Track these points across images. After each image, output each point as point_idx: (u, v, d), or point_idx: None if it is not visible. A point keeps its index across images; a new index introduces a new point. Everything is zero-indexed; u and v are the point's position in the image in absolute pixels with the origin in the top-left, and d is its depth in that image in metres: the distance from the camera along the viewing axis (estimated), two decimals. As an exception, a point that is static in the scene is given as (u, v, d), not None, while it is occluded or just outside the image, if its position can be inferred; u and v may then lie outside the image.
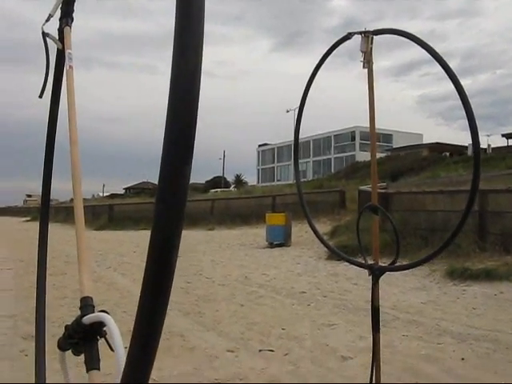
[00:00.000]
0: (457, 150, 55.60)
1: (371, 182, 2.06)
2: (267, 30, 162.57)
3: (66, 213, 51.25)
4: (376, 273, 1.89)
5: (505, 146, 54.90)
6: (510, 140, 55.25)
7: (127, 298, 9.58)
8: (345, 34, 1.90)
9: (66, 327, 1.01)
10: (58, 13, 1.45)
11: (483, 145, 55.64)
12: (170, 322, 7.69)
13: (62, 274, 12.78)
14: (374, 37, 1.81)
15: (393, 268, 2.02)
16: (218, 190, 67.39)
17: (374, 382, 2.03)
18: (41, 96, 1.51)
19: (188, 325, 7.54)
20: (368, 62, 1.88)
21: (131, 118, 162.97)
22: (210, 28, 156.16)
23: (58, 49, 1.45)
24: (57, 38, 1.45)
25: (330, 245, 2.18)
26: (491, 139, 70.22)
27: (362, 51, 1.85)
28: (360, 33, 1.84)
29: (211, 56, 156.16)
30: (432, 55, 1.65)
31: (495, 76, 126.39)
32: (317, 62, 2.00)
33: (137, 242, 22.39)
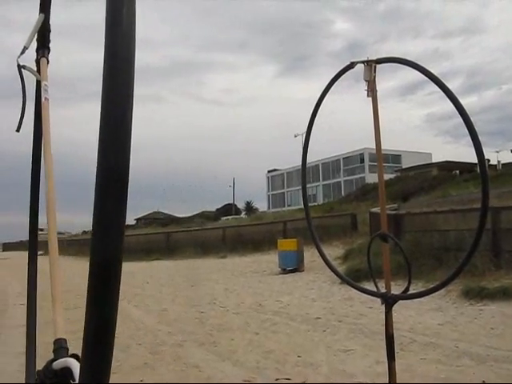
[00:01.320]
0: (466, 168, 55.33)
1: (380, 210, 2.03)
2: (271, 56, 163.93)
3: (78, 245, 51.47)
4: (389, 301, 1.86)
5: (515, 162, 54.62)
6: (519, 156, 54.99)
7: (142, 330, 9.53)
8: (349, 59, 1.91)
9: (38, 372, 0.98)
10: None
11: (493, 161, 55.51)
12: (185, 353, 7.64)
13: (74, 308, 12.74)
14: (379, 54, 1.82)
15: (406, 296, 1.98)
16: (229, 217, 67.42)
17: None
18: (18, 130, 1.50)
19: (203, 355, 7.48)
20: (372, 91, 1.88)
21: (139, 148, 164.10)
22: (214, 57, 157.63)
23: (37, 81, 1.44)
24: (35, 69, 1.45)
25: (340, 272, 2.16)
26: (500, 155, 70.00)
27: (365, 80, 1.85)
28: (363, 62, 1.84)
29: (217, 84, 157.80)
30: (435, 82, 1.64)
31: (501, 92, 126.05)
32: (322, 86, 2.01)
33: (149, 273, 22.39)
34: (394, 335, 6.88)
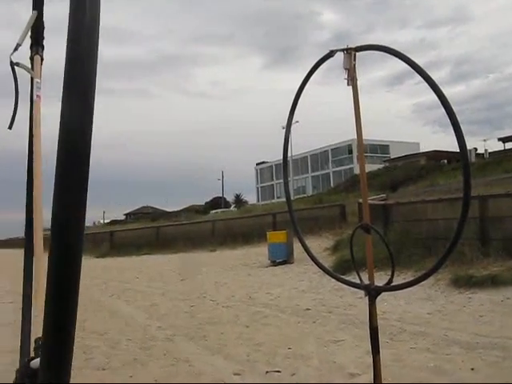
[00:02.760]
0: (455, 157, 55.54)
1: (362, 201, 2.01)
2: (258, 48, 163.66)
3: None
4: (372, 293, 1.84)
5: (502, 150, 54.97)
6: (506, 144, 55.34)
7: (131, 325, 9.50)
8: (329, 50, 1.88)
9: (16, 371, 0.96)
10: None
11: (480, 150, 55.78)
12: (175, 347, 7.62)
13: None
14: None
15: (389, 288, 1.96)
16: (219, 210, 67.38)
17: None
18: (10, 127, 1.47)
19: (193, 349, 7.46)
20: (352, 79, 1.85)
21: (127, 143, 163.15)
22: (200, 50, 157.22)
23: (31, 78, 1.42)
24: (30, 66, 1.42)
25: (323, 265, 2.13)
26: (488, 144, 70.38)
27: (345, 68, 1.82)
28: (342, 50, 1.81)
29: (204, 77, 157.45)
30: (414, 68, 1.62)
31: (488, 80, 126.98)
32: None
33: (139, 268, 22.33)
34: (384, 325, 6.90)
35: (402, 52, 1.63)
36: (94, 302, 13.12)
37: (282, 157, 2.17)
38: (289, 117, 2.05)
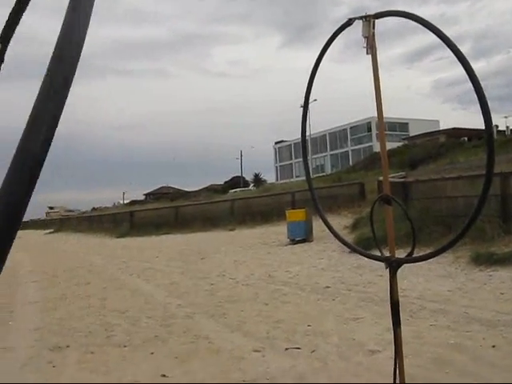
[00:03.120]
0: (475, 134, 54.87)
1: (383, 172, 1.98)
2: (276, 26, 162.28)
3: (88, 222, 51.77)
4: (393, 265, 1.82)
5: (524, 127, 54.17)
6: (528, 120, 54.50)
7: (151, 303, 9.58)
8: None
9: None
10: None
11: (502, 127, 55.00)
12: (195, 325, 7.68)
13: (86, 283, 12.85)
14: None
15: (410, 259, 1.94)
16: (238, 189, 67.40)
17: (397, 382, 1.94)
18: None
19: (213, 327, 7.51)
20: (371, 48, 1.81)
21: (146, 123, 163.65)
22: (219, 29, 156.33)
23: None
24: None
25: (346, 239, 2.11)
26: (509, 121, 69.34)
27: (364, 36, 1.78)
28: (361, 17, 1.77)
29: (223, 57, 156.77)
30: (435, 33, 1.57)
31: (509, 56, 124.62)
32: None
33: (159, 248, 22.49)
34: (404, 302, 6.87)
35: (423, 18, 1.58)
36: (114, 280, 13.26)
37: (300, 135, 2.14)
38: (307, 87, 2.02)
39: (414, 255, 1.86)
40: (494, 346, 5.63)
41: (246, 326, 7.38)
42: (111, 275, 14.54)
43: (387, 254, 1.91)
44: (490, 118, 1.57)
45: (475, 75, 1.54)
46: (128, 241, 30.13)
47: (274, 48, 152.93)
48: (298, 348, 6.09)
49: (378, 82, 1.86)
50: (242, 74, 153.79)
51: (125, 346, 6.60)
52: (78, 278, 13.99)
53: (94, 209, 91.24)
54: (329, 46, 1.91)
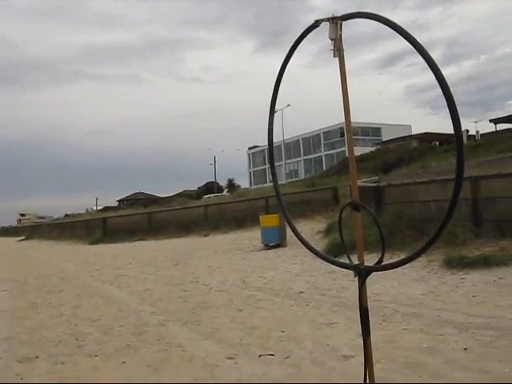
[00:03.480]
0: (446, 139, 55.61)
1: (351, 178, 1.96)
2: (249, 31, 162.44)
3: (60, 229, 51.15)
4: (362, 273, 1.79)
5: (493, 132, 55.04)
6: (497, 125, 55.39)
7: (124, 311, 9.46)
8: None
9: None
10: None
11: (472, 132, 55.85)
12: (168, 332, 7.59)
13: (58, 291, 12.66)
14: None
15: (379, 267, 1.91)
16: (212, 195, 67.30)
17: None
18: None
19: (186, 334, 7.43)
20: (338, 50, 1.78)
21: (119, 129, 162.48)
22: (191, 34, 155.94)
23: None
24: None
25: (313, 246, 2.08)
26: (479, 125, 70.41)
27: (330, 39, 1.75)
28: (328, 19, 1.74)
29: (196, 62, 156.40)
30: (403, 35, 1.55)
31: (479, 62, 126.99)
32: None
33: (132, 254, 22.30)
34: (377, 306, 6.92)
35: (391, 20, 1.56)
36: (87, 288, 13.09)
37: (273, 141, 2.11)
38: (274, 89, 1.99)
39: (383, 262, 1.83)
40: (465, 349, 5.66)
41: (219, 333, 7.32)
42: (84, 283, 14.36)
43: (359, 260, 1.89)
44: (460, 124, 1.56)
45: (443, 77, 1.53)
46: (101, 247, 29.83)
47: (247, 53, 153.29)
48: (272, 354, 6.05)
49: (346, 86, 1.83)
50: (215, 79, 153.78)
51: (96, 356, 6.49)
52: (49, 286, 13.78)
53: (66, 215, 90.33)
54: (295, 47, 1.88)
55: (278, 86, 2.03)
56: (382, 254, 1.84)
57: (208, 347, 6.63)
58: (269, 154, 2.12)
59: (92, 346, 7.01)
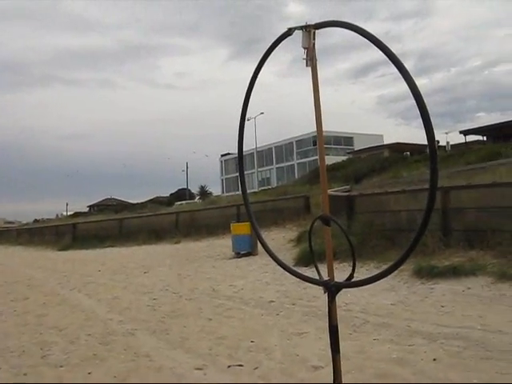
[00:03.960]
0: (417, 149, 56.32)
1: (322, 191, 1.91)
2: (224, 39, 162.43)
3: (29, 234, 50.32)
4: (332, 290, 1.75)
5: (463, 143, 55.84)
6: (467, 136, 56.23)
7: (92, 319, 9.29)
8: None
9: None
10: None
11: (442, 142, 56.62)
12: (136, 342, 7.47)
13: (24, 299, 12.40)
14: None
15: (350, 284, 1.87)
16: (183, 202, 67.01)
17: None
18: None
19: (155, 344, 7.31)
20: (311, 59, 1.74)
21: (92, 134, 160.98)
22: (166, 40, 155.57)
23: None
24: None
25: (281, 260, 2.03)
26: (450, 136, 71.37)
27: (303, 47, 1.71)
28: (301, 27, 1.71)
29: (170, 68, 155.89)
30: (375, 44, 1.52)
31: (450, 74, 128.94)
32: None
33: (102, 261, 22.02)
34: (347, 316, 6.88)
35: (364, 29, 1.53)
36: (54, 295, 12.85)
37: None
38: (245, 97, 1.95)
39: (355, 277, 1.80)
40: (434, 359, 5.67)
41: (188, 343, 7.22)
42: (51, 290, 14.09)
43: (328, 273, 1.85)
44: (433, 135, 1.53)
45: (416, 85, 1.50)
46: (70, 254, 29.42)
47: (222, 60, 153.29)
48: (241, 365, 5.98)
49: (318, 95, 1.80)
50: (189, 86, 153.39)
51: (61, 366, 6.33)
52: (15, 294, 13.49)
53: (36, 220, 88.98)
54: (268, 56, 1.84)
55: (250, 95, 1.98)
56: (353, 270, 1.80)
57: (176, 357, 6.53)
58: (238, 162, 2.06)
59: (57, 355, 6.85)
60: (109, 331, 8.20)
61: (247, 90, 1.99)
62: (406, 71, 1.51)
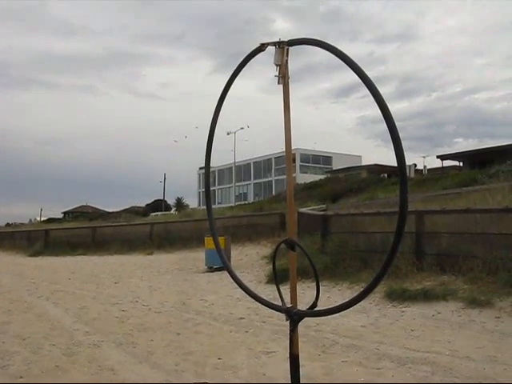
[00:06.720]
0: (394, 171, 56.67)
1: (288, 214, 1.86)
2: (209, 51, 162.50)
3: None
4: (294, 318, 1.69)
5: (440, 167, 56.41)
6: (444, 161, 56.81)
7: (57, 329, 9.11)
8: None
9: None
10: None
11: (420, 166, 57.19)
12: (102, 354, 7.32)
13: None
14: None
15: (313, 313, 1.81)
16: (159, 213, 66.62)
17: None
18: None
19: (120, 357, 7.17)
20: (284, 77, 1.69)
21: (70, 139, 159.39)
22: (150, 49, 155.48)
23: None
24: None
25: (244, 284, 1.97)
26: (427, 160, 72.11)
27: (276, 64, 1.67)
28: (274, 43, 1.66)
29: (154, 78, 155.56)
30: (348, 63, 1.48)
31: (430, 99, 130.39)
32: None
33: (73, 269, 21.72)
34: (317, 337, 6.80)
35: (336, 47, 1.49)
36: (21, 303, 12.60)
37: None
38: (215, 111, 1.90)
39: (317, 308, 1.74)
40: (402, 384, 5.63)
41: (154, 357, 7.09)
42: (18, 296, 13.82)
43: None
44: (404, 162, 1.49)
45: (387, 107, 1.46)
46: (41, 260, 28.97)
47: (205, 72, 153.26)
48: (207, 383, 5.88)
49: (289, 114, 1.75)
50: (172, 97, 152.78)
51: (21, 377, 6.16)
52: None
53: (8, 224, 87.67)
54: (239, 70, 1.80)
55: (219, 110, 1.93)
56: (316, 299, 1.74)
57: (141, 371, 6.41)
58: (205, 178, 2.01)
59: (18, 366, 6.67)
60: (74, 342, 8.03)
61: (217, 106, 1.95)
62: (377, 90, 1.47)
